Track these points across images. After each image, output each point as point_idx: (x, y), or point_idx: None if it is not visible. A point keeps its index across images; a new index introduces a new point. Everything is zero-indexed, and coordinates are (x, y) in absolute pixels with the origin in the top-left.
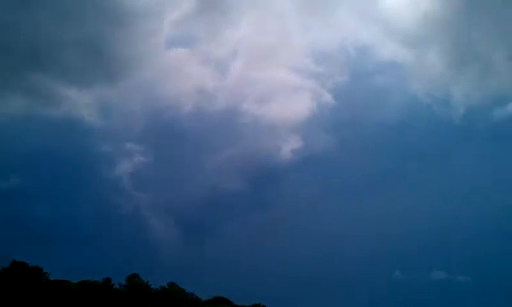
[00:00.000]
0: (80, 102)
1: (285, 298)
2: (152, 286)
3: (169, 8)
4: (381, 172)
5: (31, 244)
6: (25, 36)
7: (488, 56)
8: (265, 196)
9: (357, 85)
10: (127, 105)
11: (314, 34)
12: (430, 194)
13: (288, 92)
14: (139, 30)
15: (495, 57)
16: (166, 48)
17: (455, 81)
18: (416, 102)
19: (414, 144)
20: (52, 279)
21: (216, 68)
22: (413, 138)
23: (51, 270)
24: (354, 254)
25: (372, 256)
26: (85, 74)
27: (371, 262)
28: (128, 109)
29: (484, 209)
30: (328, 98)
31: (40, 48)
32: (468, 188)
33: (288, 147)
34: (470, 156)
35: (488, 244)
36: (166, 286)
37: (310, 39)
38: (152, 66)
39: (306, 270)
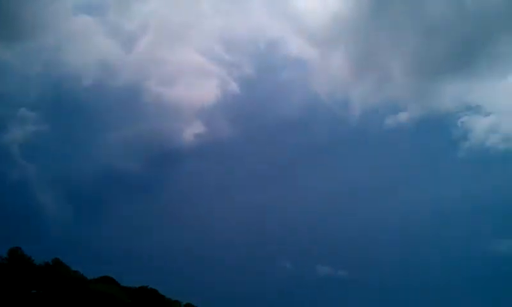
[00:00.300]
0: None
1: (171, 282)
2: (35, 262)
3: None
4: (279, 165)
5: None
6: None
7: (386, 65)
8: (163, 179)
9: (263, 78)
10: (24, 69)
11: (227, 21)
12: (322, 191)
13: (195, 75)
14: None
15: (392, 68)
16: (73, 13)
17: (354, 85)
18: (317, 101)
19: (312, 141)
20: None
21: (122, 41)
22: (312, 135)
23: None
24: (248, 242)
25: (265, 247)
26: None
27: (264, 253)
28: (25, 73)
29: (371, 209)
30: (234, 87)
31: None
32: (357, 189)
33: (191, 131)
34: (363, 158)
35: (368, 241)
36: (50, 262)
37: (223, 26)
38: (56, 31)
39: (197, 256)
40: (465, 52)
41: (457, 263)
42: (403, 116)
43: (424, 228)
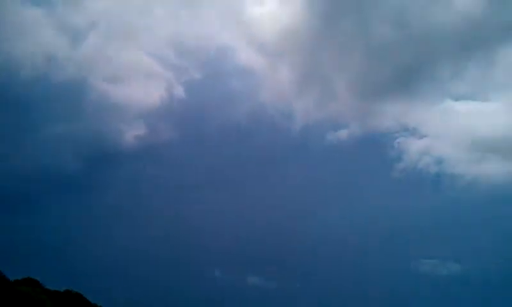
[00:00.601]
0: None
1: (100, 289)
2: None
3: None
4: (219, 172)
5: None
6: None
7: (331, 82)
8: (99, 180)
9: (210, 84)
10: None
11: (178, 26)
12: (259, 201)
13: (141, 77)
14: None
15: (336, 85)
16: (21, 5)
17: (299, 98)
18: (262, 111)
19: (254, 151)
20: None
21: (70, 36)
22: (254, 145)
23: None
24: (181, 249)
25: (198, 254)
26: None
27: (196, 261)
28: None
29: (305, 222)
30: (180, 91)
31: None
32: (295, 201)
33: (132, 132)
34: (303, 171)
35: (301, 253)
36: None
37: (174, 30)
38: (2, 23)
39: (130, 262)
40: (406, 74)
41: (384, 279)
42: (343, 133)
43: (355, 243)
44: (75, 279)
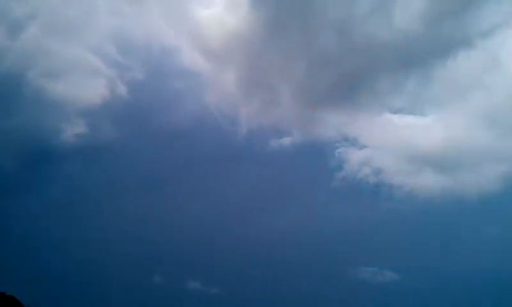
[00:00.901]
0: None
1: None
2: None
3: None
4: (161, 174)
5: None
6: None
7: (275, 89)
8: (37, 179)
9: (154, 84)
10: None
11: (123, 23)
12: (201, 205)
13: (82, 73)
14: None
15: (281, 92)
16: None
17: (244, 103)
18: (206, 114)
19: (198, 154)
20: None
21: (8, 27)
22: (197, 148)
23: None
24: (120, 252)
25: (137, 258)
26: None
27: (135, 265)
28: None
29: (247, 227)
30: (122, 90)
31: None
32: (237, 206)
33: (72, 130)
34: (245, 176)
35: (242, 258)
36: None
37: (118, 27)
38: None
39: (68, 265)
40: (348, 85)
41: (323, 286)
42: (286, 141)
43: (295, 250)
44: (10, 281)
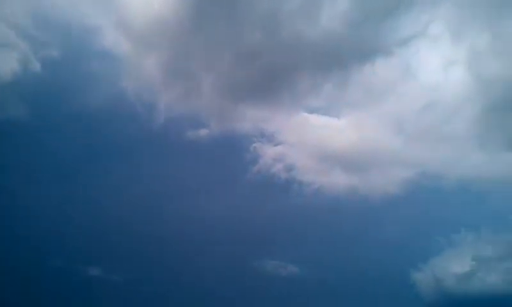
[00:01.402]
0: None
1: None
2: None
3: None
4: (71, 159)
5: None
6: None
7: (197, 80)
8: None
9: (71, 63)
10: None
11: None
12: (112, 193)
13: None
14: None
15: (202, 83)
16: None
17: (163, 91)
18: (124, 99)
19: (112, 139)
20: None
21: None
22: (113, 133)
23: None
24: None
25: (35, 245)
26: None
27: (34, 250)
28: None
29: (156, 215)
30: (36, 66)
31: None
32: (151, 194)
33: None
34: (161, 165)
35: (147, 246)
36: None
37: (36, 2)
38: None
39: None
40: (269, 81)
41: (229, 278)
42: (204, 132)
43: (203, 240)
44: None
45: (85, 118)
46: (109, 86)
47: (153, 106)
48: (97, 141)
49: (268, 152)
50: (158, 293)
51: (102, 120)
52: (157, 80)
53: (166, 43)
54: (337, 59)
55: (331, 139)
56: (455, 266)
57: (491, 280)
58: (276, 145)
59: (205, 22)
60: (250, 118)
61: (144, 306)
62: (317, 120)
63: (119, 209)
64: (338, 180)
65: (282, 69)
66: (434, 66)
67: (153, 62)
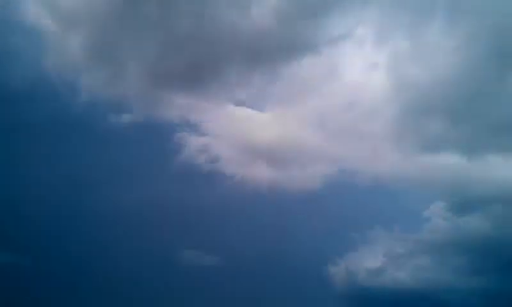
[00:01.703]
0: None
1: None
2: None
3: None
4: None
5: None
6: None
7: (122, 64)
8: None
9: None
10: None
11: None
12: (29, 176)
13: None
14: None
15: (127, 68)
16: None
17: (87, 73)
18: (45, 78)
19: (31, 121)
20: None
21: None
22: (32, 114)
23: None
24: None
25: None
26: None
27: None
28: None
29: (74, 202)
30: None
31: None
32: (69, 179)
33: None
34: (80, 149)
35: (63, 233)
36: None
37: None
38: None
39: None
40: (197, 72)
41: (149, 268)
42: (127, 117)
43: (123, 230)
44: None
45: (2, 97)
46: (29, 63)
47: (75, 87)
48: (13, 121)
49: (193, 142)
50: (68, 286)
51: (17, 99)
52: (81, 61)
53: (93, 24)
54: (266, 53)
55: (255, 132)
56: (367, 261)
57: (400, 276)
58: (201, 136)
59: (135, 6)
60: (176, 106)
61: (56, 293)
62: (242, 113)
63: (32, 195)
64: (260, 173)
65: (211, 59)
66: (358, 67)
67: (78, 42)
